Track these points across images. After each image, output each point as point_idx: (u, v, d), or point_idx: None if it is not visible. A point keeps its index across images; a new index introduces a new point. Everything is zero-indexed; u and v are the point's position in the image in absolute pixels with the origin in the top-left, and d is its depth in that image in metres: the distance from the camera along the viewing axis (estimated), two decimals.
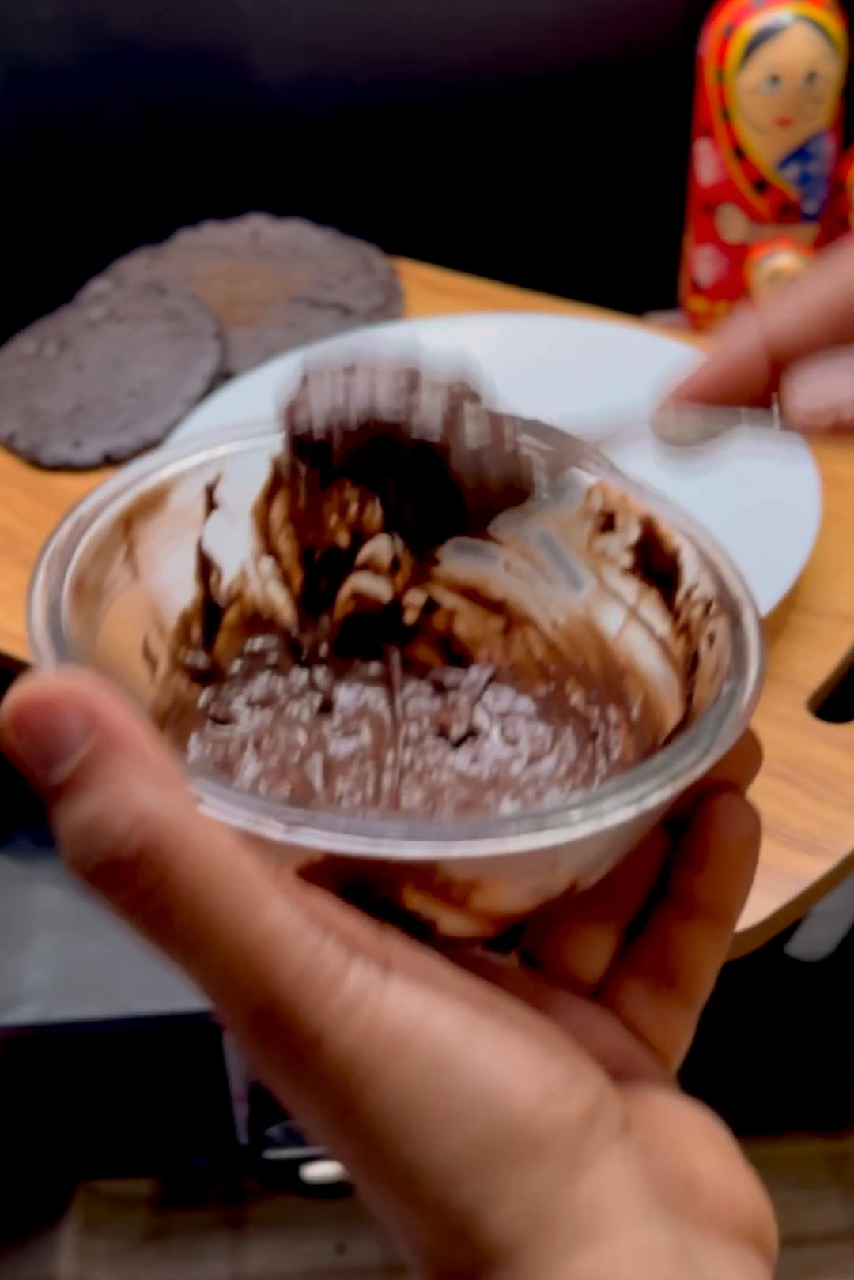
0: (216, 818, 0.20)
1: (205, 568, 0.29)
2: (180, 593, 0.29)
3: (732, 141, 0.62)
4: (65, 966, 0.45)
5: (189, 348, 0.60)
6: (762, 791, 0.41)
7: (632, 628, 0.28)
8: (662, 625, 0.28)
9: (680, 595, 0.27)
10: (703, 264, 0.66)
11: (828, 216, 0.65)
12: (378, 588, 0.31)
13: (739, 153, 0.62)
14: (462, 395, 0.29)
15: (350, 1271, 0.47)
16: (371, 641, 0.31)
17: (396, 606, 0.31)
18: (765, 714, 0.43)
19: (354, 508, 0.30)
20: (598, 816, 0.21)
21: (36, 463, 0.57)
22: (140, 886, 0.19)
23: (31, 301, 0.65)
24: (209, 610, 0.29)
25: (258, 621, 0.30)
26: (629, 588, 0.28)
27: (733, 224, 0.64)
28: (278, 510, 0.30)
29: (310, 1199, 0.46)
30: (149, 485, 0.27)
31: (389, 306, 0.63)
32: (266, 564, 0.30)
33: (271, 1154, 0.44)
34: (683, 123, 0.66)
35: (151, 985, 0.45)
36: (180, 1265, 0.48)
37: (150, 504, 0.27)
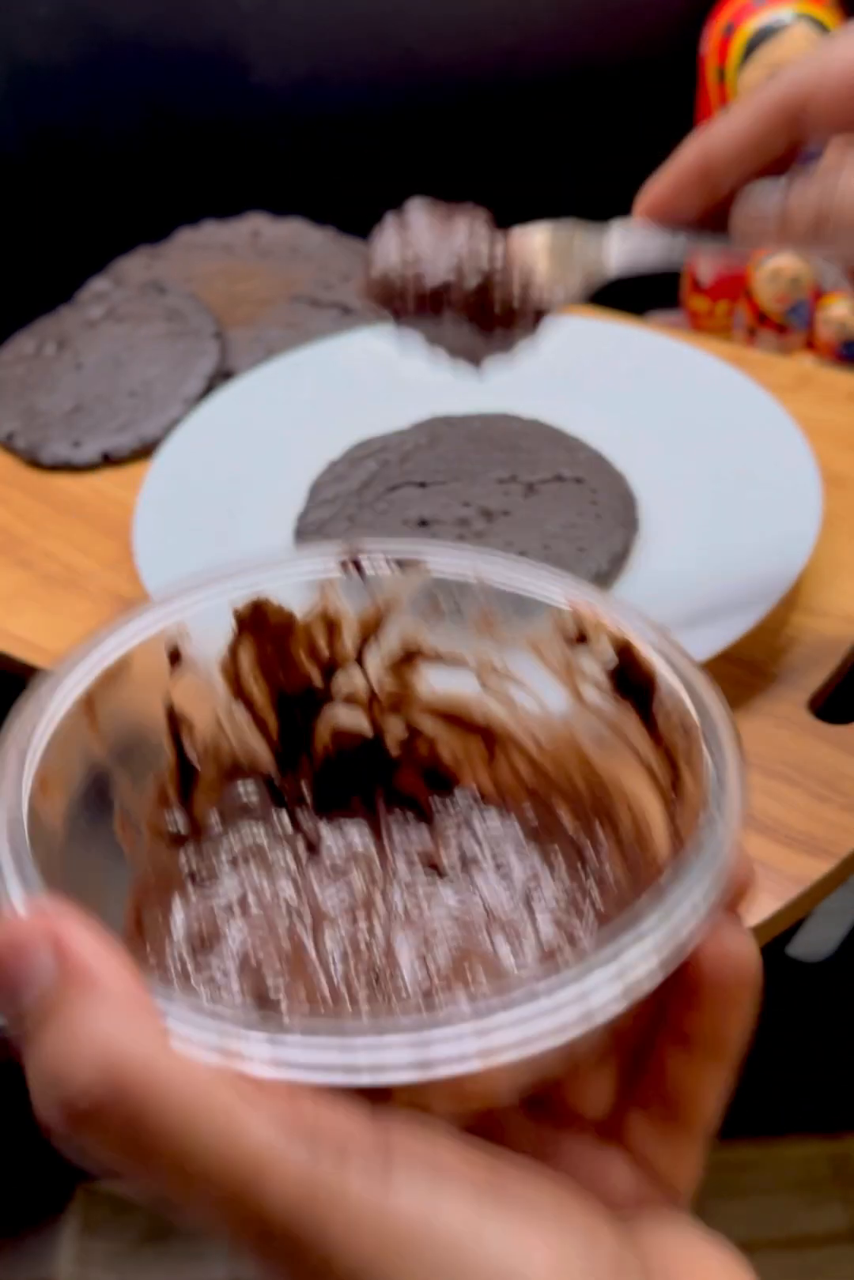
0: (187, 1042, 0.19)
1: (176, 728, 0.29)
2: (152, 757, 0.28)
3: None
4: None
5: (189, 347, 0.60)
6: (763, 792, 0.41)
7: (614, 747, 0.28)
8: (643, 745, 0.27)
9: (660, 716, 0.27)
10: (703, 263, 0.66)
11: None
12: (356, 720, 0.31)
13: None
14: (491, 244, 0.38)
15: None
16: (354, 777, 0.31)
17: (377, 739, 0.31)
18: (765, 714, 0.42)
19: (323, 642, 0.30)
20: (585, 1012, 0.20)
21: (36, 462, 0.57)
22: (112, 1130, 0.19)
23: (31, 301, 0.65)
24: (184, 770, 0.29)
25: (236, 771, 0.30)
26: (608, 706, 0.28)
27: None
28: (245, 657, 0.29)
29: None
30: (111, 661, 0.27)
31: None
32: (239, 712, 0.30)
33: None
34: (684, 122, 0.66)
35: None
36: (179, 1266, 0.48)
37: (113, 677, 0.27)
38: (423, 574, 0.29)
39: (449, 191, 0.73)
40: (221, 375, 0.59)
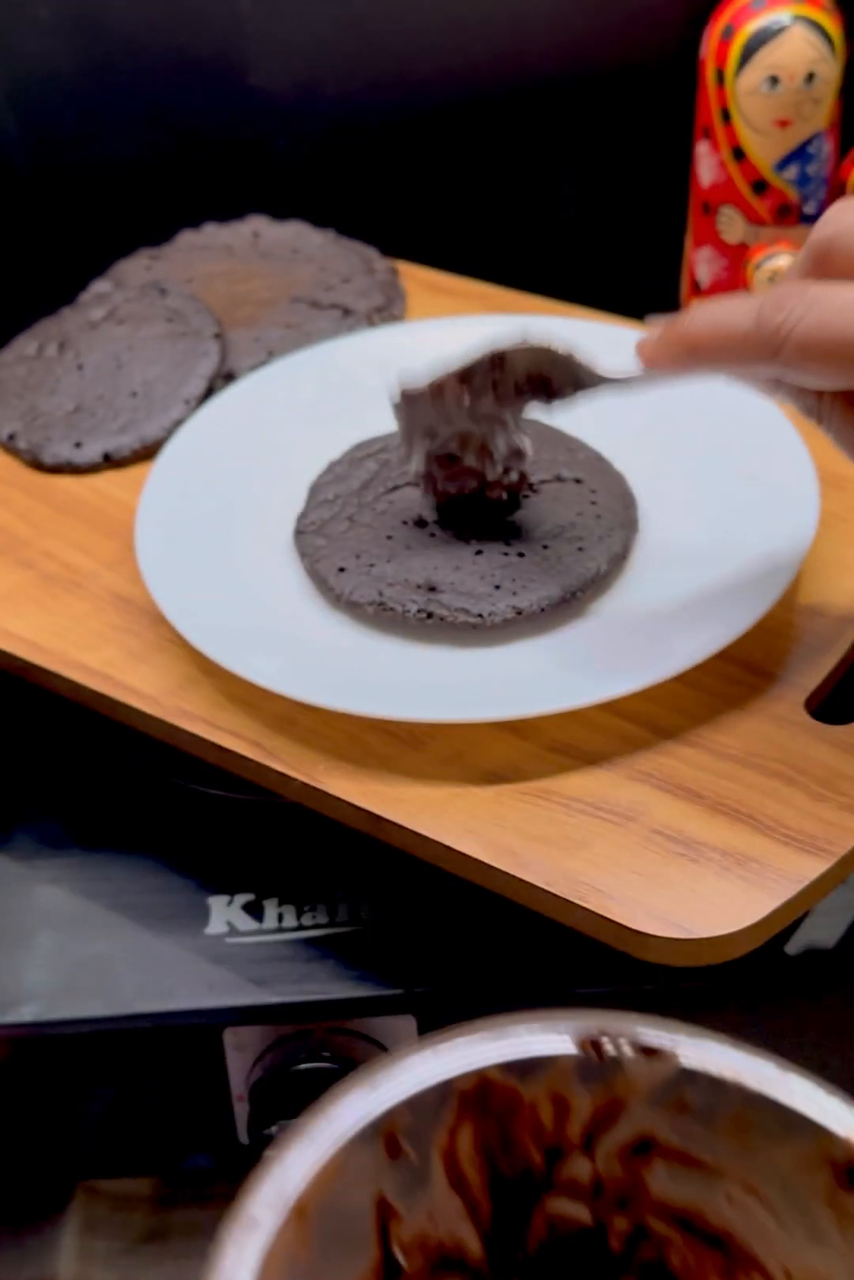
0: None
1: (384, 1220, 0.26)
2: (354, 1255, 0.26)
3: (731, 142, 0.62)
4: (65, 966, 0.45)
5: (189, 348, 0.60)
6: (761, 791, 0.41)
7: None
8: None
9: None
10: (702, 265, 0.66)
11: None
12: (577, 1210, 0.28)
13: (739, 154, 0.62)
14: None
15: None
16: (570, 1271, 0.28)
17: (599, 1231, 0.28)
18: (764, 713, 0.43)
19: (549, 1124, 0.27)
20: None
21: (37, 463, 0.57)
22: None
23: (32, 302, 0.65)
24: (387, 1266, 0.26)
25: (441, 1262, 0.27)
26: None
27: (732, 225, 0.64)
28: (465, 1139, 0.27)
29: None
30: (325, 1161, 0.24)
31: (390, 307, 0.63)
32: (451, 1199, 0.27)
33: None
34: (685, 125, 0.66)
35: (152, 985, 0.45)
36: (181, 1264, 0.48)
37: (328, 1178, 0.24)
38: (671, 1065, 0.26)
39: (450, 192, 0.73)
40: (222, 376, 0.59)
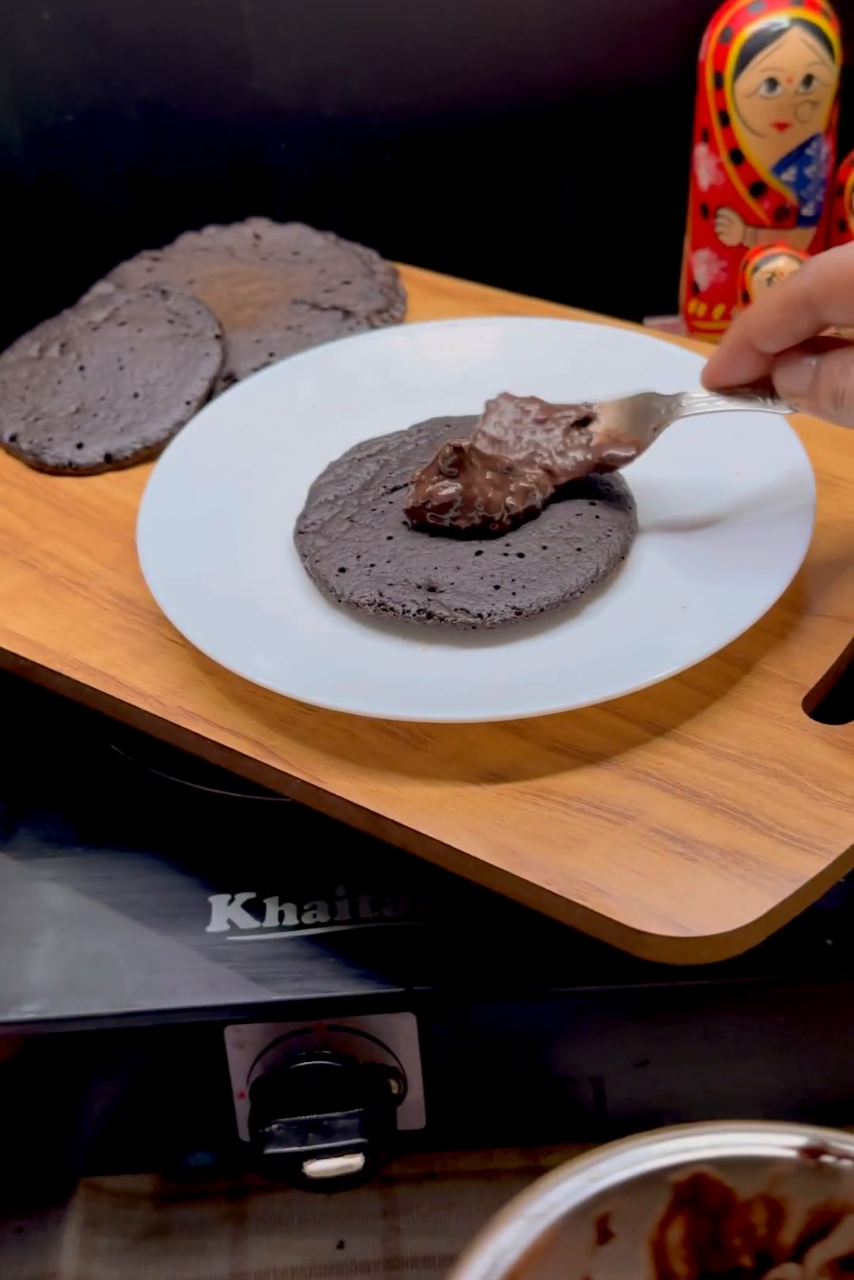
0: None
1: None
2: None
3: (730, 145, 0.62)
4: (67, 964, 0.46)
5: (191, 349, 0.60)
6: (760, 790, 0.41)
7: None
8: None
9: None
10: (700, 267, 0.67)
11: (825, 220, 0.65)
12: None
13: (737, 156, 0.62)
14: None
15: (350, 1267, 0.47)
16: None
17: None
18: (762, 713, 0.43)
19: (761, 1227, 0.27)
20: None
21: (40, 465, 0.57)
22: None
23: (34, 304, 0.66)
24: None
25: None
26: None
27: (731, 227, 0.64)
28: (675, 1233, 0.27)
29: (311, 1194, 0.46)
30: (538, 1239, 0.25)
31: (390, 309, 0.64)
32: None
33: (272, 1150, 0.44)
34: (684, 128, 0.66)
35: (154, 982, 0.45)
36: (182, 1261, 0.48)
37: (537, 1256, 0.25)
38: None
39: (450, 195, 0.73)
40: (224, 377, 0.60)
